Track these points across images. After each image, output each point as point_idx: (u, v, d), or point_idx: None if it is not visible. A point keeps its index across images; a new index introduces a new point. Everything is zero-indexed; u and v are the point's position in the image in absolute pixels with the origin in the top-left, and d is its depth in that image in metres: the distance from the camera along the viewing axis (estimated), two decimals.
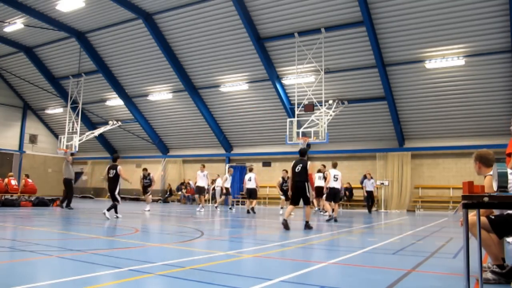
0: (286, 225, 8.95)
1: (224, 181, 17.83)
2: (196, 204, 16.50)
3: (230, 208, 17.64)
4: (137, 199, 26.95)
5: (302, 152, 9.77)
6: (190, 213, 14.49)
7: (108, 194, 11.51)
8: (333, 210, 12.25)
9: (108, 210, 10.91)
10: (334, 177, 12.29)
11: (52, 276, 4.04)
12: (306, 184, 9.32)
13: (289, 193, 10.93)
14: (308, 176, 9.41)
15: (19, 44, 24.37)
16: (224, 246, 6.75)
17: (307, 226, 9.31)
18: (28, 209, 14.62)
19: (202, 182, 16.08)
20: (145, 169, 16.63)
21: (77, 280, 3.74)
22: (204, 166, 16.55)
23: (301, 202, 9.50)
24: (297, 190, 9.44)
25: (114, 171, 11.35)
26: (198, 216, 13.29)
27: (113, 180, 11.32)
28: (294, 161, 9.63)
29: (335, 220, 11.78)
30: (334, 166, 12.64)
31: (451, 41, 16.40)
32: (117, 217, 11.14)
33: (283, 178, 16.12)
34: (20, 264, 4.59)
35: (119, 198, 11.37)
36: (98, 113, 27.66)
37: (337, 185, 12.30)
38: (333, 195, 12.27)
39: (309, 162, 9.53)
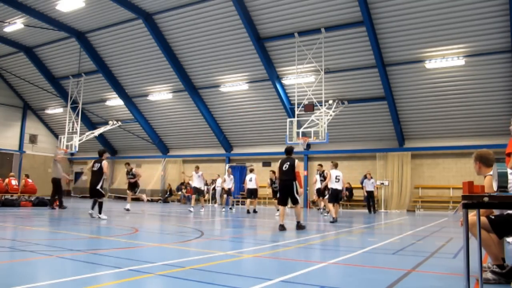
0: (283, 229, 8.76)
1: (223, 182, 17.67)
2: (195, 204, 16.22)
3: (230, 208, 17.60)
4: (137, 199, 26.92)
5: (288, 150, 9.41)
6: (190, 213, 14.47)
7: (99, 189, 10.98)
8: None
9: (100, 212, 10.68)
10: (336, 178, 11.98)
11: (52, 276, 4.03)
12: (294, 183, 8.99)
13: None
14: (296, 174, 9.07)
15: (19, 44, 24.38)
16: (224, 246, 6.75)
17: (299, 227, 9.02)
18: (28, 209, 14.61)
19: (198, 183, 15.90)
20: (127, 164, 15.88)
21: (77, 280, 3.74)
22: (198, 168, 16.43)
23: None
24: (284, 189, 9.12)
25: (99, 164, 11.07)
26: (189, 215, 13.24)
27: (97, 174, 11.01)
28: (280, 160, 9.30)
29: (335, 220, 11.71)
30: (335, 166, 12.32)
31: (451, 41, 16.40)
32: (91, 215, 10.70)
33: (271, 179, 15.96)
34: (20, 264, 4.59)
35: (103, 192, 11.11)
36: (98, 113, 27.67)
37: (339, 186, 11.99)
38: (336, 196, 11.99)
39: (296, 160, 9.20)
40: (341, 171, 12.50)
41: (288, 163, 9.09)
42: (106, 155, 11.68)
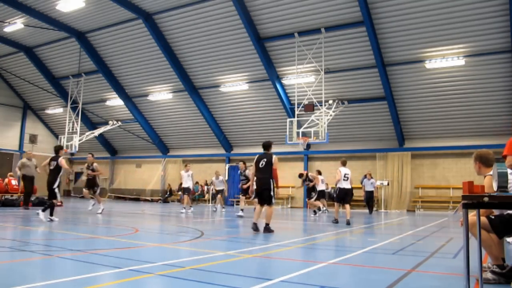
0: (256, 228, 8.37)
1: (213, 185, 17.30)
2: (191, 204, 15.96)
3: (215, 208, 17.36)
4: (137, 199, 26.95)
5: (266, 146, 8.72)
6: (189, 213, 14.47)
7: (54, 189, 10.07)
8: (332, 208, 12.03)
9: (44, 210, 9.72)
10: (344, 176, 11.28)
11: (52, 276, 4.03)
12: (270, 181, 8.38)
13: (251, 189, 10.36)
14: (274, 172, 8.44)
15: (19, 44, 24.37)
16: (224, 246, 6.75)
17: (267, 229, 8.25)
18: (28, 209, 14.59)
19: (187, 183, 15.55)
20: (91, 154, 13.79)
21: (77, 280, 3.74)
22: (186, 166, 16.21)
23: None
24: (260, 188, 8.53)
25: (55, 162, 10.14)
26: (183, 217, 13.16)
27: (54, 173, 10.11)
28: (257, 156, 8.70)
29: (337, 221, 11.15)
30: (344, 164, 11.62)
31: (451, 41, 16.40)
32: (51, 220, 9.63)
33: (239, 171, 15.50)
34: (20, 264, 4.59)
35: (58, 195, 10.19)
36: (98, 113, 27.66)
37: (347, 185, 11.24)
38: (343, 196, 11.36)
39: (274, 157, 8.53)
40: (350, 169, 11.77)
41: (265, 159, 8.50)
42: (63, 152, 10.87)
